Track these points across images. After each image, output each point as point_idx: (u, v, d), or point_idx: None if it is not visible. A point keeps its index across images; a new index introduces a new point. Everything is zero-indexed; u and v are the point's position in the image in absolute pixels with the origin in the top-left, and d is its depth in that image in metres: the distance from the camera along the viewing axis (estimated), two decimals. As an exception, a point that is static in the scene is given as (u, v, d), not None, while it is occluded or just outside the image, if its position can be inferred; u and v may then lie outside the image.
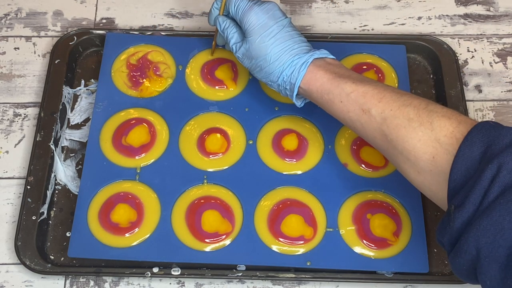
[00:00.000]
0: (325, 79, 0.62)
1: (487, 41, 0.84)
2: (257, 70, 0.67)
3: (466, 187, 0.48)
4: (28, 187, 0.70)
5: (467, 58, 0.82)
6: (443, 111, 0.54)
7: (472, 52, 0.83)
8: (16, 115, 0.77)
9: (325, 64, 0.64)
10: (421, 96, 0.70)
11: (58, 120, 0.75)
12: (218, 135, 0.73)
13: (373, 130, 0.58)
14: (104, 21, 0.85)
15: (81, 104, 0.78)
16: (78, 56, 0.81)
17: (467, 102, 0.78)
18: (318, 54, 0.64)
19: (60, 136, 0.75)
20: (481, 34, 0.84)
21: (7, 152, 0.75)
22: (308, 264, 0.66)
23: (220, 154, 0.72)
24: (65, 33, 0.81)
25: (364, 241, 0.67)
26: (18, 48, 0.83)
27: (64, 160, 0.74)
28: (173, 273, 0.66)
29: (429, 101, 0.57)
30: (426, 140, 0.53)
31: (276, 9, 0.66)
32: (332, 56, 0.65)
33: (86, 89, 0.79)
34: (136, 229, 0.67)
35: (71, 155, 0.75)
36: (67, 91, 0.78)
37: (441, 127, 0.53)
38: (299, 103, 0.67)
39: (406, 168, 0.56)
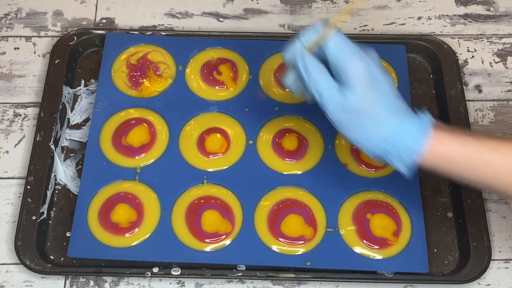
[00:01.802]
0: (459, 144, 0.54)
1: (487, 41, 0.84)
2: (352, 127, 0.55)
3: None
4: (28, 187, 0.70)
5: (467, 58, 0.82)
6: None
7: (472, 52, 0.83)
8: (16, 115, 0.77)
9: (441, 126, 0.55)
10: (421, 97, 0.69)
11: (58, 120, 0.75)
12: (218, 135, 0.73)
13: None
14: (104, 21, 0.85)
15: (81, 104, 0.78)
16: (78, 56, 0.81)
17: (467, 102, 0.78)
18: (430, 115, 0.56)
19: (60, 136, 0.75)
20: (481, 34, 0.84)
21: (7, 152, 0.75)
22: (308, 264, 0.66)
23: (220, 154, 0.72)
24: (65, 33, 0.81)
25: (364, 241, 0.67)
26: (18, 48, 0.83)
27: (64, 160, 0.74)
28: (173, 273, 0.66)
29: None
30: None
31: (379, 58, 0.57)
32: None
33: (86, 89, 0.79)
34: (136, 229, 0.67)
35: (71, 155, 0.75)
36: (67, 91, 0.78)
37: None
38: (410, 173, 0.57)
39: None
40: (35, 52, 0.82)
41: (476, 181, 0.55)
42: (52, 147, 0.73)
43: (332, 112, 0.56)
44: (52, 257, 0.68)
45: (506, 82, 0.81)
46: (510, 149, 0.53)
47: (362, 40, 0.81)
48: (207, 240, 0.67)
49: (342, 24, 0.56)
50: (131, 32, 0.81)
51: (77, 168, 0.74)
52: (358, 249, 0.67)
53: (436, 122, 0.55)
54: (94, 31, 0.81)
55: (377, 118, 0.54)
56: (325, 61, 0.56)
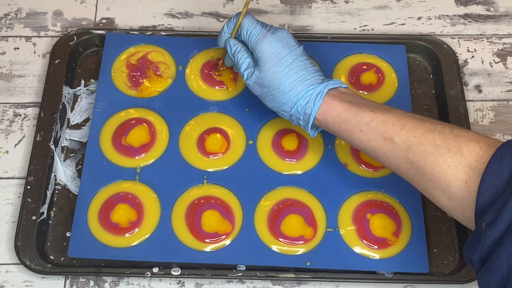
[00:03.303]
0: (342, 109, 0.61)
1: (487, 41, 0.84)
2: (268, 99, 0.66)
3: (497, 204, 0.47)
4: (28, 187, 0.70)
5: (467, 58, 0.82)
6: (469, 135, 0.53)
7: (472, 52, 0.83)
8: (16, 115, 0.77)
9: (339, 93, 0.63)
10: (421, 97, 0.70)
11: (58, 120, 0.75)
12: (218, 135, 0.73)
13: (398, 158, 0.57)
14: (104, 21, 0.85)
15: (81, 104, 0.78)
16: (78, 56, 0.81)
17: (467, 102, 0.78)
18: (332, 84, 0.63)
19: (60, 136, 0.75)
20: (481, 34, 0.85)
21: (7, 152, 0.75)
22: (308, 264, 0.66)
23: (220, 154, 0.72)
24: (65, 33, 0.81)
25: (364, 241, 0.67)
26: (18, 48, 0.83)
27: (64, 160, 0.74)
28: (173, 273, 0.66)
29: (453, 125, 0.56)
30: (456, 166, 0.52)
31: (289, 38, 0.65)
32: (345, 85, 0.64)
33: (86, 89, 0.79)
34: (136, 229, 0.67)
35: (71, 155, 0.75)
36: (67, 91, 0.78)
37: (470, 152, 0.52)
38: (312, 133, 0.66)
39: (436, 194, 0.55)
40: (35, 52, 0.82)
41: (355, 144, 0.62)
42: (52, 147, 0.73)
43: (252, 88, 0.67)
44: (52, 257, 0.68)
45: (506, 82, 0.81)
46: (381, 117, 0.59)
47: (362, 40, 0.81)
48: (207, 240, 0.67)
49: (249, 5, 0.66)
50: (131, 32, 0.81)
51: (77, 168, 0.74)
52: (358, 249, 0.67)
53: (341, 88, 0.63)
54: (94, 31, 0.81)
55: (282, 89, 0.64)
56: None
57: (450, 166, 0.53)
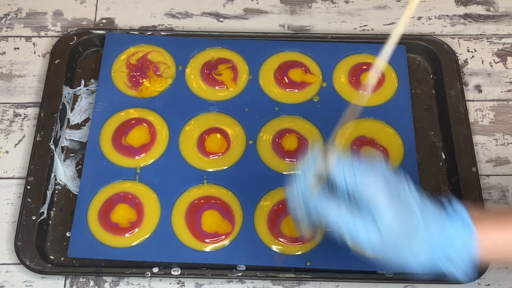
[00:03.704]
0: (506, 232, 0.49)
1: (487, 41, 0.84)
2: (397, 254, 0.50)
3: None
4: (28, 187, 0.70)
5: (467, 58, 0.82)
6: None
7: (472, 52, 0.83)
8: (16, 115, 0.77)
9: (476, 219, 0.50)
10: (421, 97, 0.69)
11: (58, 120, 0.75)
12: (218, 135, 0.73)
13: None
14: (104, 21, 0.85)
15: (81, 104, 0.78)
16: (78, 56, 0.81)
17: (467, 102, 0.78)
18: (460, 209, 0.50)
19: (60, 136, 0.75)
20: (481, 34, 0.84)
21: (7, 152, 0.75)
22: (308, 264, 0.66)
23: (220, 154, 0.72)
24: (65, 33, 0.81)
25: (364, 241, 0.67)
26: (18, 48, 0.83)
27: (64, 160, 0.74)
28: (173, 273, 0.66)
29: None
30: None
31: (383, 160, 0.50)
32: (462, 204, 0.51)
33: (86, 89, 0.79)
34: (136, 229, 0.67)
35: (71, 155, 0.75)
36: (67, 91, 0.78)
37: None
38: (468, 278, 0.52)
39: None
40: (35, 52, 0.82)
41: None
42: (52, 147, 0.73)
43: (370, 251, 0.49)
44: (52, 257, 0.68)
45: (506, 82, 0.81)
46: None
47: (362, 40, 0.81)
48: (207, 240, 0.67)
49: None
50: (131, 32, 0.81)
51: (77, 168, 0.74)
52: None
53: (470, 210, 0.50)
54: (94, 31, 0.81)
55: (415, 236, 0.48)
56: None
57: None
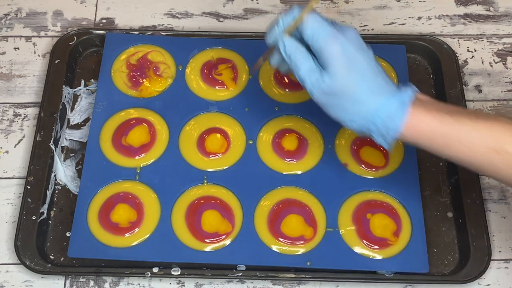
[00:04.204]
0: (435, 121, 0.54)
1: (487, 41, 0.84)
2: (335, 109, 0.57)
3: None
4: (28, 187, 0.70)
5: (467, 58, 0.82)
6: None
7: (472, 52, 0.83)
8: (16, 115, 0.77)
9: (421, 102, 0.56)
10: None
11: (58, 120, 0.75)
12: (218, 135, 0.73)
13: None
14: (104, 21, 0.85)
15: (81, 104, 0.78)
16: (78, 56, 0.81)
17: (467, 102, 0.78)
18: (411, 91, 0.56)
19: (60, 136, 0.75)
20: (481, 34, 0.85)
21: (7, 152, 0.75)
22: (308, 264, 0.66)
23: (220, 154, 0.72)
24: (65, 33, 0.82)
25: (364, 241, 0.67)
26: (18, 48, 0.83)
27: (64, 160, 0.74)
28: (173, 273, 0.66)
29: None
30: None
31: (359, 37, 0.57)
32: (416, 89, 0.58)
33: (86, 89, 0.79)
34: (136, 229, 0.67)
35: (71, 155, 0.75)
36: (67, 91, 0.78)
37: None
38: (390, 148, 0.58)
39: None
40: (35, 52, 0.82)
41: (453, 157, 0.56)
42: (52, 147, 0.73)
43: (314, 95, 0.57)
44: (52, 257, 0.68)
45: (506, 82, 0.81)
46: (483, 125, 0.53)
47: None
48: (207, 240, 0.67)
49: (317, 5, 0.56)
50: (131, 32, 0.81)
51: (77, 168, 0.74)
52: (358, 249, 0.67)
53: (418, 95, 0.56)
54: (94, 31, 0.81)
55: (356, 99, 0.55)
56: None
57: None
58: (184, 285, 0.67)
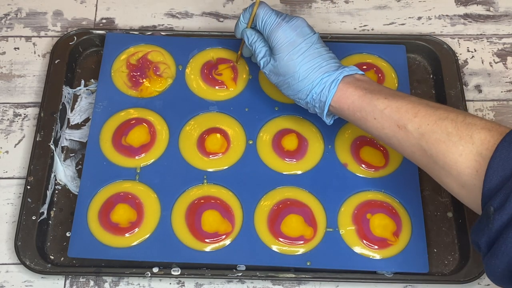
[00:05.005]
0: (356, 96, 0.61)
1: (487, 41, 0.84)
2: (284, 87, 0.67)
3: (505, 188, 0.47)
4: (28, 187, 0.70)
5: (467, 58, 0.82)
6: (482, 123, 0.53)
7: (472, 52, 0.83)
8: (16, 115, 0.77)
9: (354, 80, 0.63)
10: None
11: (58, 120, 0.75)
12: (218, 135, 0.73)
13: (411, 145, 0.57)
14: (104, 21, 0.85)
15: (81, 104, 0.78)
16: (78, 56, 0.81)
17: (467, 102, 0.78)
18: (348, 71, 0.63)
19: (60, 136, 0.75)
20: (481, 34, 0.85)
21: (7, 152, 0.75)
22: (308, 264, 0.66)
23: (220, 154, 0.72)
24: (65, 33, 0.82)
25: (364, 241, 0.67)
26: (18, 48, 0.83)
27: (64, 160, 0.74)
28: (173, 273, 0.66)
29: (466, 113, 0.56)
30: (467, 154, 0.52)
31: (304, 25, 0.66)
32: (361, 72, 0.64)
33: (86, 89, 0.79)
34: (136, 229, 0.67)
35: (71, 155, 0.75)
36: (67, 91, 0.78)
37: (481, 140, 0.51)
38: (328, 121, 0.66)
39: (449, 182, 0.55)
40: (35, 52, 0.82)
41: (370, 131, 0.62)
42: (52, 147, 0.73)
43: (269, 77, 0.68)
44: (52, 257, 0.68)
45: (506, 82, 0.81)
46: (395, 104, 0.58)
47: (362, 40, 0.81)
48: (207, 240, 0.67)
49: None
50: (131, 32, 0.81)
51: (77, 168, 0.74)
52: (358, 249, 0.67)
53: (356, 75, 0.64)
54: (94, 31, 0.81)
55: (297, 77, 0.64)
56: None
57: (462, 155, 0.52)
58: (184, 285, 0.67)
